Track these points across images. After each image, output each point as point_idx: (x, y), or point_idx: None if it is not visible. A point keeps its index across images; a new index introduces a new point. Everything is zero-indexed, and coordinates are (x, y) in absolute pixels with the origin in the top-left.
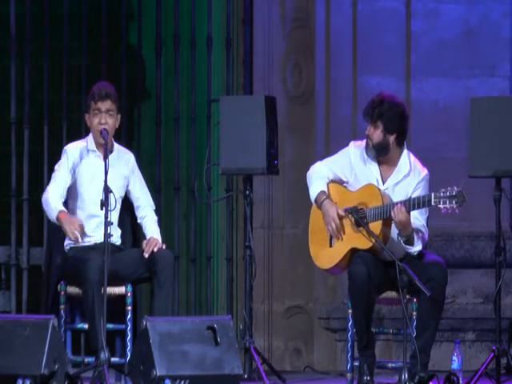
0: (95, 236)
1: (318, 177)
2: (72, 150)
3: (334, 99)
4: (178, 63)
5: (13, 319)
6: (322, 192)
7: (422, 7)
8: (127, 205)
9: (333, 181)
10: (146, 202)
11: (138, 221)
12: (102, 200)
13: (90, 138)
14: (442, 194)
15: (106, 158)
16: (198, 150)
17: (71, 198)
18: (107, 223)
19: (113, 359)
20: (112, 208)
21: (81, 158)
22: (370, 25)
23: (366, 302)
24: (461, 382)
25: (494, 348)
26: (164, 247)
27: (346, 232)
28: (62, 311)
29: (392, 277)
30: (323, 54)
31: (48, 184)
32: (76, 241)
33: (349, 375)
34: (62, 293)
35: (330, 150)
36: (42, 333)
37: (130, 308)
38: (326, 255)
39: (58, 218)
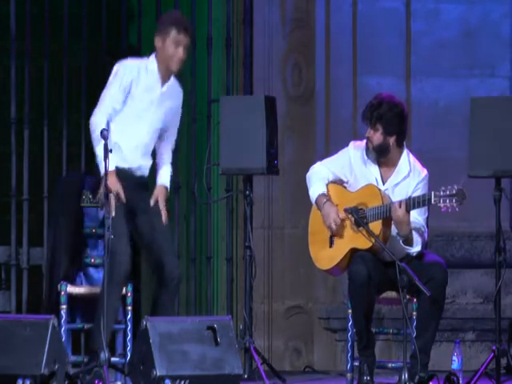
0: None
1: (318, 178)
2: (128, 65)
3: (334, 99)
4: None
5: (13, 319)
6: (323, 194)
7: (421, 7)
8: None
9: (332, 181)
10: (171, 141)
11: (157, 157)
12: (102, 201)
13: (151, 57)
14: (441, 193)
15: (105, 158)
16: (198, 150)
17: (120, 120)
18: (107, 223)
19: (113, 359)
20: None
21: (137, 77)
22: (369, 25)
23: (366, 301)
24: (461, 382)
25: (494, 348)
26: (165, 214)
27: (346, 232)
28: (62, 311)
29: (392, 277)
30: (323, 54)
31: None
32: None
33: (349, 375)
34: (62, 293)
35: (329, 149)
36: (42, 333)
37: (130, 308)
38: (326, 256)
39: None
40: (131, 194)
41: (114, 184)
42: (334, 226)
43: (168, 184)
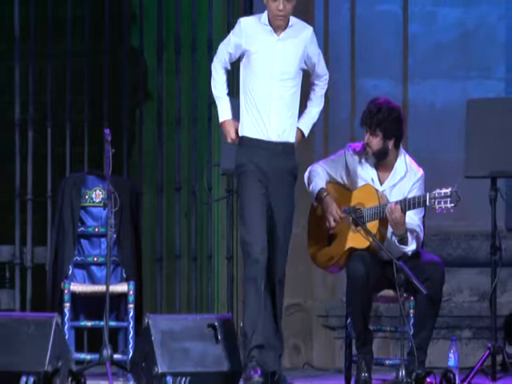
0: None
1: (317, 176)
2: (247, 20)
3: (333, 101)
4: (179, 65)
5: (17, 317)
6: (323, 189)
7: (419, 11)
8: None
9: (330, 181)
10: (321, 72)
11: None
12: (104, 200)
13: (265, 14)
14: (436, 195)
15: (108, 164)
16: (199, 151)
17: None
18: (109, 224)
19: (115, 356)
20: (115, 208)
21: (256, 29)
22: (367, 28)
23: (364, 300)
24: (457, 378)
25: (489, 345)
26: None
27: (344, 231)
28: (65, 309)
29: (389, 275)
30: None
31: None
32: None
33: (347, 372)
34: (66, 291)
35: (328, 150)
36: (46, 330)
37: (132, 306)
38: (325, 254)
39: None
40: None
41: None
42: (332, 221)
43: (309, 124)
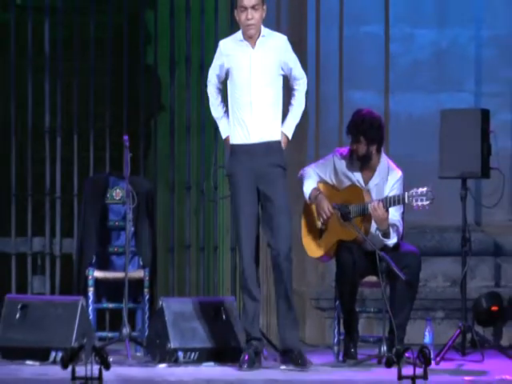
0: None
1: (310, 177)
2: (225, 42)
3: (323, 111)
4: (189, 80)
5: (47, 300)
6: (315, 189)
7: (399, 32)
8: None
9: (321, 181)
10: (297, 75)
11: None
12: (123, 198)
13: (239, 31)
14: (414, 193)
15: (127, 166)
16: (206, 155)
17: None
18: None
19: (133, 334)
20: (132, 205)
21: (232, 47)
22: (354, 47)
23: (351, 285)
24: (432, 354)
25: (460, 325)
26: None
27: (334, 225)
28: (89, 293)
29: (373, 264)
30: (314, 72)
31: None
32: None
33: (336, 348)
34: (90, 277)
35: (319, 154)
36: (73, 312)
37: (147, 290)
38: (317, 245)
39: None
40: None
41: None
42: (324, 216)
43: (292, 125)
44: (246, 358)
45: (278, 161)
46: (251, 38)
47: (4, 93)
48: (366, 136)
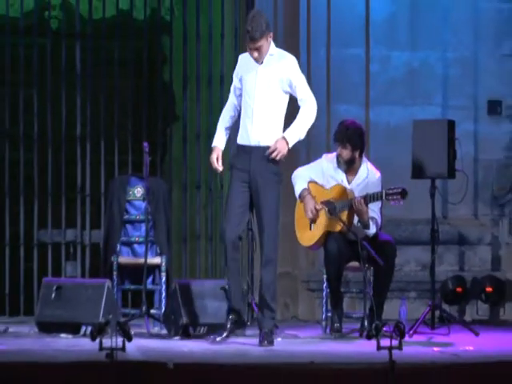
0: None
1: (301, 179)
2: (242, 55)
3: (314, 121)
4: (199, 95)
5: (78, 282)
6: (305, 189)
7: (378, 54)
8: None
9: (311, 181)
10: (303, 96)
11: None
12: (143, 195)
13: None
14: (390, 191)
15: (146, 168)
16: None
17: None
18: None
19: (151, 311)
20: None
21: (246, 61)
22: (339, 66)
23: (337, 269)
24: (406, 328)
25: (429, 303)
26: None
27: (322, 219)
28: (114, 276)
29: (356, 251)
30: None
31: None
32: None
33: (323, 323)
34: (114, 263)
35: (310, 158)
36: (100, 292)
37: (164, 274)
38: (307, 236)
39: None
40: None
41: None
42: (310, 214)
43: (294, 134)
44: (223, 333)
45: (274, 167)
46: (257, 59)
47: (42, 106)
48: (351, 142)
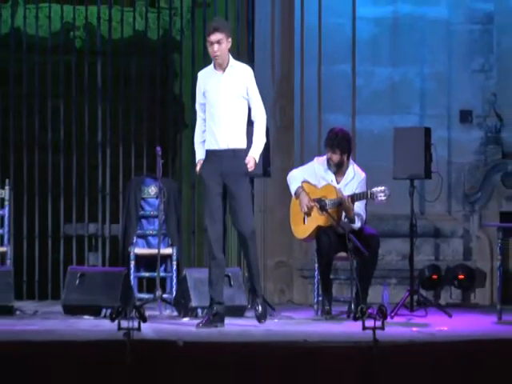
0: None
1: (295, 179)
2: (201, 72)
3: (307, 128)
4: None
5: (99, 270)
6: (300, 187)
7: (363, 69)
8: None
9: (304, 181)
10: (256, 107)
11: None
12: (157, 193)
13: (213, 63)
14: (374, 191)
15: (159, 170)
16: None
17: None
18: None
19: (164, 296)
20: (164, 199)
21: (207, 74)
22: (329, 80)
23: (327, 259)
24: (387, 310)
25: (408, 289)
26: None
27: (314, 214)
28: (131, 265)
29: (344, 243)
30: (299, 99)
31: None
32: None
33: (315, 306)
34: (131, 253)
35: (303, 161)
36: (118, 279)
37: (175, 263)
38: (301, 229)
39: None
40: None
41: None
42: (305, 208)
43: (258, 146)
44: (205, 320)
45: (242, 165)
46: (220, 67)
47: (67, 115)
48: (340, 147)
